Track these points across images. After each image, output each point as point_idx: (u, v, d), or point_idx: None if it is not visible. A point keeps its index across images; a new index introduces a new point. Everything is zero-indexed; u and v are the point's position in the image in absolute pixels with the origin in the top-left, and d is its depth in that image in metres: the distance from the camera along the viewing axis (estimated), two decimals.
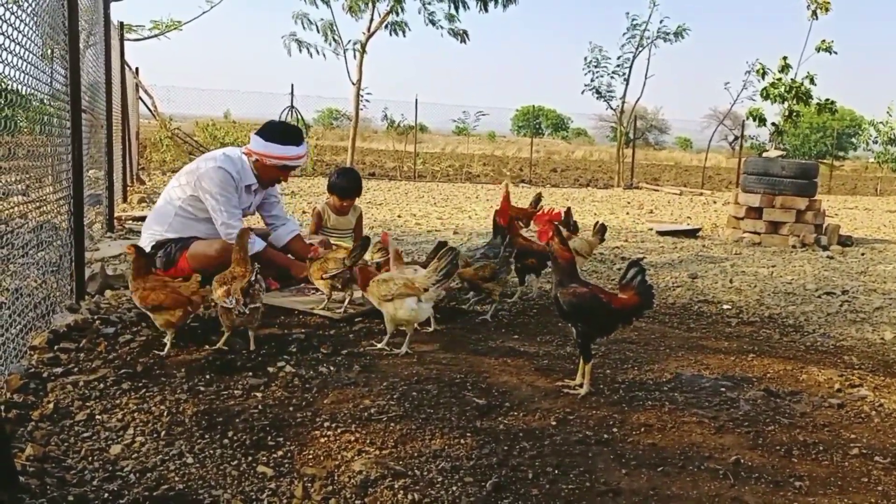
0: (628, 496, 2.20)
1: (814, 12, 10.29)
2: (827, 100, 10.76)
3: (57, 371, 2.93)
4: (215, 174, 4.07)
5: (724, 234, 9.14)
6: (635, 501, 2.18)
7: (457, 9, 15.33)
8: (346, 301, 4.07)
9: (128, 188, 10.07)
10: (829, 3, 10.24)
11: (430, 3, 15.54)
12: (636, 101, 20.68)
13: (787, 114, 10.45)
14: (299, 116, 18.27)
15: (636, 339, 3.93)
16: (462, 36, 15.89)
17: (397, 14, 15.24)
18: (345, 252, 3.94)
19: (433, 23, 15.75)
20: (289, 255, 4.46)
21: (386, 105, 19.69)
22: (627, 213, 11.68)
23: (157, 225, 4.21)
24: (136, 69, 14.07)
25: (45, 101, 3.68)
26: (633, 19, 18.96)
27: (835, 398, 3.16)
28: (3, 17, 2.66)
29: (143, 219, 5.63)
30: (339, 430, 2.53)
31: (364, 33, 15.34)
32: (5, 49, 2.69)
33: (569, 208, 5.72)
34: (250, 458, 2.32)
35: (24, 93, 3.08)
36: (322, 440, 2.47)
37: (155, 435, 2.44)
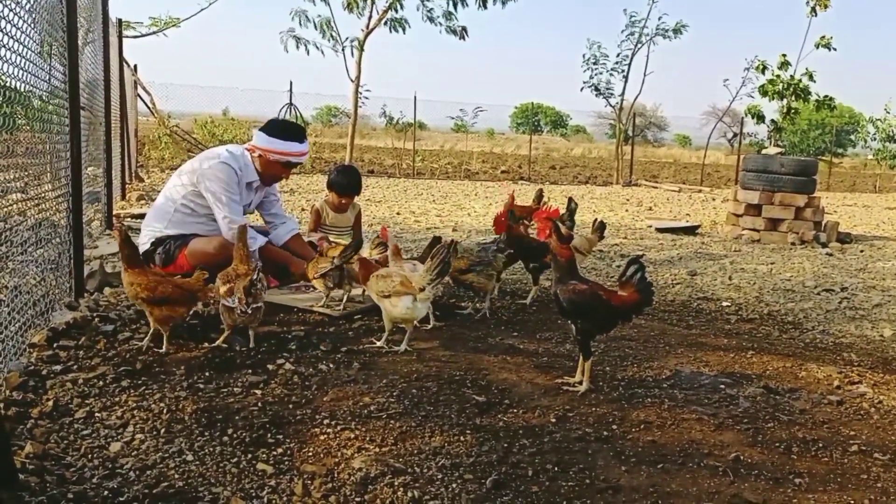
0: (628, 493, 2.20)
1: (813, 9, 10.31)
2: (826, 97, 10.77)
3: (56, 369, 2.92)
4: (219, 170, 4.07)
5: (724, 232, 9.15)
6: (635, 498, 2.18)
7: (455, 6, 15.30)
8: (345, 298, 4.07)
9: (126, 185, 10.06)
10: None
11: (428, 0, 15.52)
12: (635, 98, 20.71)
13: (785, 111, 10.46)
14: (298, 113, 18.24)
15: (636, 337, 3.93)
16: (461, 33, 15.87)
17: (396, 11, 15.22)
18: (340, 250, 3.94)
19: (432, 20, 15.74)
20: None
21: (385, 102, 19.67)
22: (626, 211, 11.68)
23: (156, 222, 4.21)
24: (135, 66, 14.04)
25: (44, 98, 3.67)
26: (632, 16, 18.98)
27: (834, 395, 3.16)
28: (1, 14, 2.65)
29: (141, 216, 5.62)
30: (338, 428, 2.53)
31: (363, 30, 15.32)
32: (4, 46, 2.68)
33: (570, 198, 5.72)
34: (250, 456, 2.32)
35: (22, 90, 3.07)
36: (322, 437, 2.47)
37: (154, 432, 2.44)
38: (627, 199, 14.02)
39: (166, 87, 19.27)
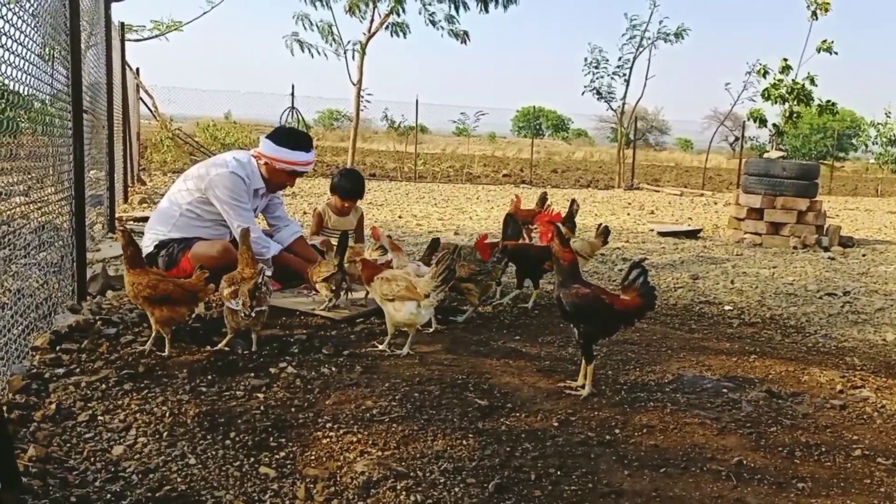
0: (631, 497, 2.20)
1: (814, 13, 10.30)
2: (828, 101, 10.76)
3: (59, 372, 2.93)
4: (229, 180, 4.09)
5: (725, 235, 9.14)
6: (638, 502, 2.18)
7: (457, 9, 15.31)
8: (345, 297, 4.08)
9: (129, 189, 10.07)
10: (828, 3, 10.24)
11: (430, 4, 15.50)
12: (637, 102, 20.66)
13: (787, 115, 10.45)
14: (300, 117, 18.27)
15: (638, 340, 3.93)
16: (462, 37, 15.88)
17: (398, 15, 15.22)
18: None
19: (433, 23, 15.74)
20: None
21: (386, 106, 19.69)
22: (628, 214, 11.68)
23: (160, 225, 4.22)
24: (137, 69, 14.07)
25: (47, 101, 3.68)
26: (633, 20, 18.98)
27: (837, 399, 3.15)
28: (4, 17, 2.66)
29: (144, 219, 5.63)
30: (341, 431, 2.53)
31: (364, 34, 15.34)
32: (7, 49, 2.69)
33: (573, 199, 5.73)
34: (252, 459, 2.32)
35: (25, 93, 3.08)
36: (324, 441, 2.46)
37: (157, 436, 2.44)
38: (629, 203, 14.02)
39: (168, 91, 19.34)
